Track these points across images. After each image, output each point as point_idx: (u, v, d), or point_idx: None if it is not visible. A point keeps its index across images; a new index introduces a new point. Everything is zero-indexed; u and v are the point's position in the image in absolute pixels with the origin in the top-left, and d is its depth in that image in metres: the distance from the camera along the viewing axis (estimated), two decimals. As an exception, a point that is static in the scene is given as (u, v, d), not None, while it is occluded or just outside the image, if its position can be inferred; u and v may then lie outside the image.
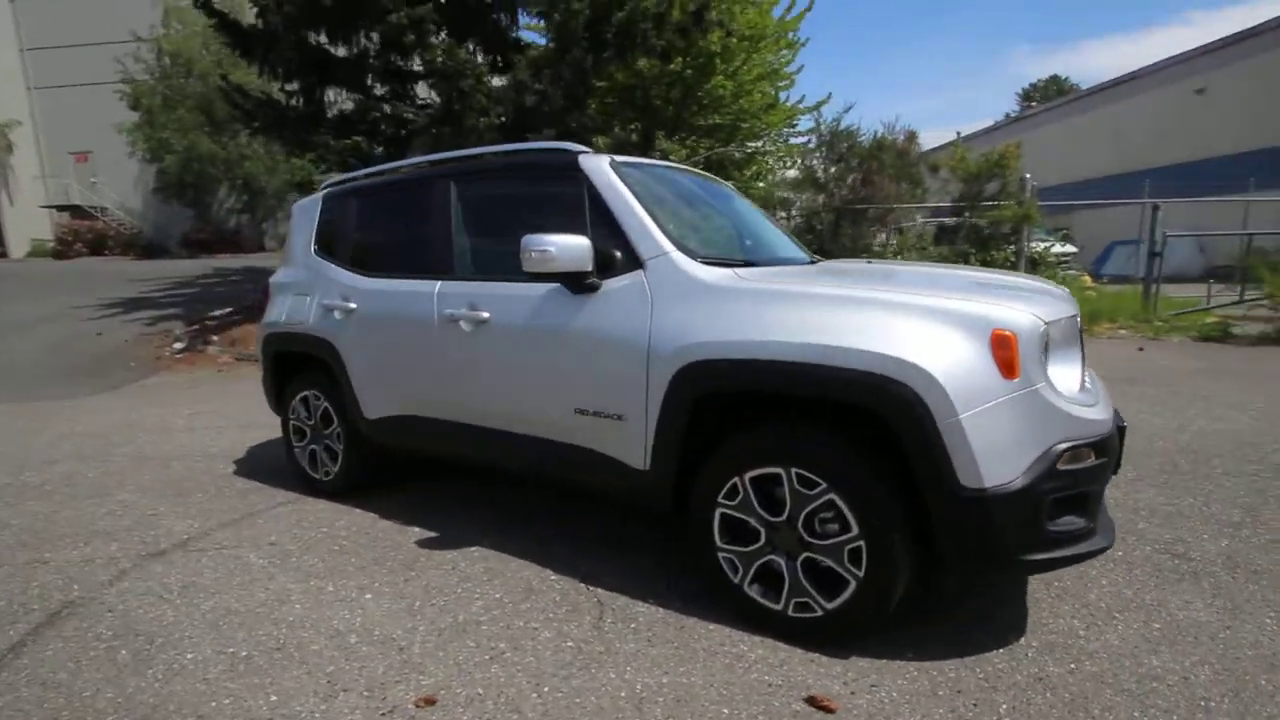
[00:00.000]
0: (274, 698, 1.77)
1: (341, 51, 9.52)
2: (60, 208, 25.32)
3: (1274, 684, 1.72)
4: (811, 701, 1.69)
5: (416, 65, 9.64)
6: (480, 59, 9.85)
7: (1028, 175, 9.65)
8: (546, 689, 1.78)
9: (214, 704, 1.75)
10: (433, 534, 2.84)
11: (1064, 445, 1.73)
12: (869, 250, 10.35)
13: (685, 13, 9.30)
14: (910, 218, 11.72)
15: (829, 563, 1.87)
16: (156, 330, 9.14)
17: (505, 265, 2.53)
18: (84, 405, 6.01)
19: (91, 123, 23.78)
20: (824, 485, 1.84)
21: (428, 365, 2.79)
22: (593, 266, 2.21)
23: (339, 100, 10.13)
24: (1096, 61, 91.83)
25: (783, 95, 13.62)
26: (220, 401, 5.99)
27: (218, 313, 9.95)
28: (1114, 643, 1.92)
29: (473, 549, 2.66)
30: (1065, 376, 1.85)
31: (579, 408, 2.32)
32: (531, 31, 11.51)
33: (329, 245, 3.38)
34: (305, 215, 3.54)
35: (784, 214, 11.57)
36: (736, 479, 1.99)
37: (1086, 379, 2.03)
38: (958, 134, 17.47)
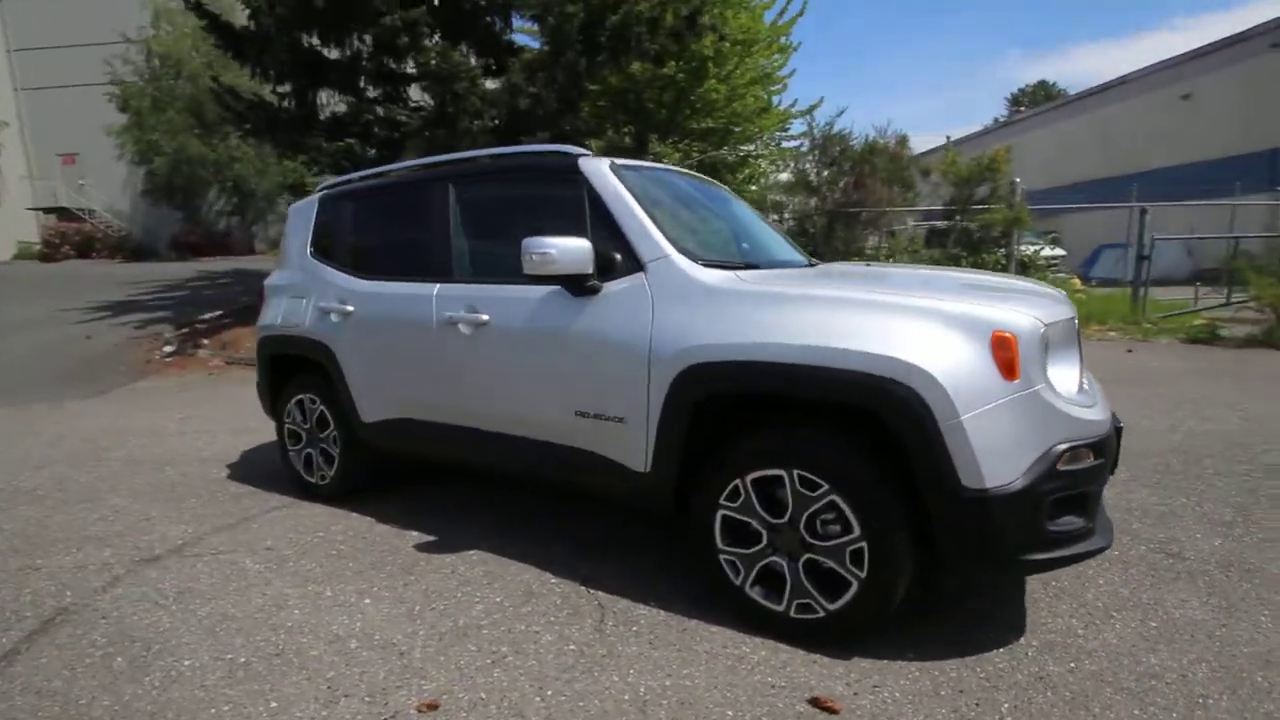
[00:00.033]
0: (274, 704, 1.76)
1: (334, 53, 9.47)
2: (47, 210, 25.06)
3: (1270, 680, 1.75)
4: (815, 702, 1.70)
5: (410, 68, 9.61)
6: (474, 62, 9.84)
7: (1017, 179, 9.75)
8: (549, 692, 1.78)
9: (213, 711, 1.74)
10: (431, 538, 2.82)
11: (1064, 446, 1.75)
12: (861, 253, 10.43)
13: (679, 17, 9.34)
14: (902, 221, 11.81)
15: (831, 564, 1.88)
16: (146, 334, 9.06)
17: (504, 268, 2.52)
18: (74, 409, 5.94)
19: (79, 124, 23.58)
20: (826, 487, 1.85)
21: (426, 368, 2.78)
22: (593, 269, 2.21)
23: (331, 102, 10.07)
24: (1085, 66, 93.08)
25: (775, 99, 13.72)
26: (211, 405, 5.93)
27: (207, 316, 9.87)
28: (1112, 641, 1.94)
29: (472, 552, 2.64)
30: (1064, 378, 1.87)
31: (579, 410, 2.32)
32: (525, 35, 11.55)
33: (325, 247, 3.36)
34: (301, 217, 3.52)
35: (776, 217, 11.63)
36: (738, 481, 1.99)
37: (1084, 380, 2.05)
38: (947, 138, 17.64)
